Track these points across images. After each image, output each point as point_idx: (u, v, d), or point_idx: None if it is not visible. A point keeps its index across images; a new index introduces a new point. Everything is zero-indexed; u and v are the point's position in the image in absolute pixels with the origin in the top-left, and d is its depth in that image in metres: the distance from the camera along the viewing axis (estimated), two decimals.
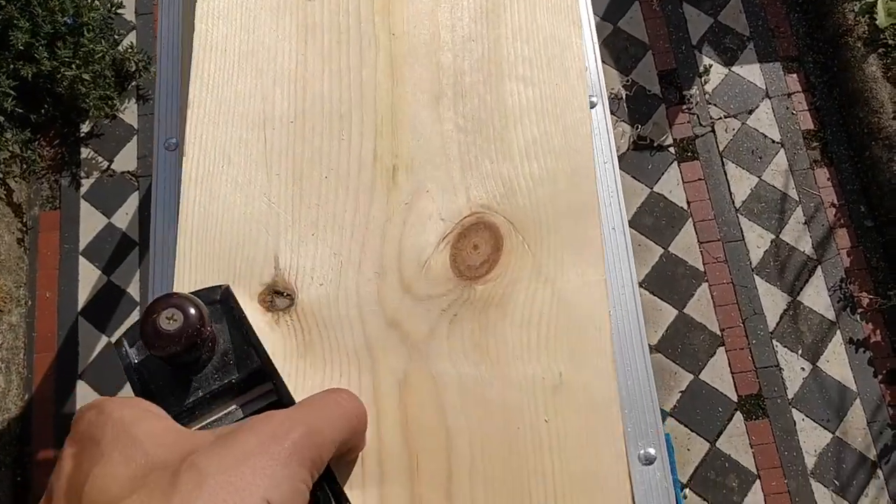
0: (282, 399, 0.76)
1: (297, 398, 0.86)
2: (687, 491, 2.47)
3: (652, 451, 0.91)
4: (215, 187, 0.96)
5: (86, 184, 2.87)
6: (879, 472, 2.47)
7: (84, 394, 2.60)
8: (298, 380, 0.87)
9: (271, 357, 0.82)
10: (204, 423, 0.74)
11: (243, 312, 0.83)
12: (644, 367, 0.98)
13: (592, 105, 1.05)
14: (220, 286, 0.87)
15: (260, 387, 0.77)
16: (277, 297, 0.92)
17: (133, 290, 2.71)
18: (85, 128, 2.94)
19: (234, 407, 0.74)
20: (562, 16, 1.07)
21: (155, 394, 0.73)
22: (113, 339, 2.62)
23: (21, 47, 2.59)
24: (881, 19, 2.71)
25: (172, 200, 1.22)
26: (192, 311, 0.71)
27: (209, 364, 0.77)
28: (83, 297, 2.72)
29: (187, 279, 0.92)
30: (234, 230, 0.94)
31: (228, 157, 0.97)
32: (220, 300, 0.84)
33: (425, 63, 1.03)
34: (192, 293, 0.76)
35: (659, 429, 0.98)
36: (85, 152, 2.91)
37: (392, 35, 1.05)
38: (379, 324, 0.81)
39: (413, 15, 1.06)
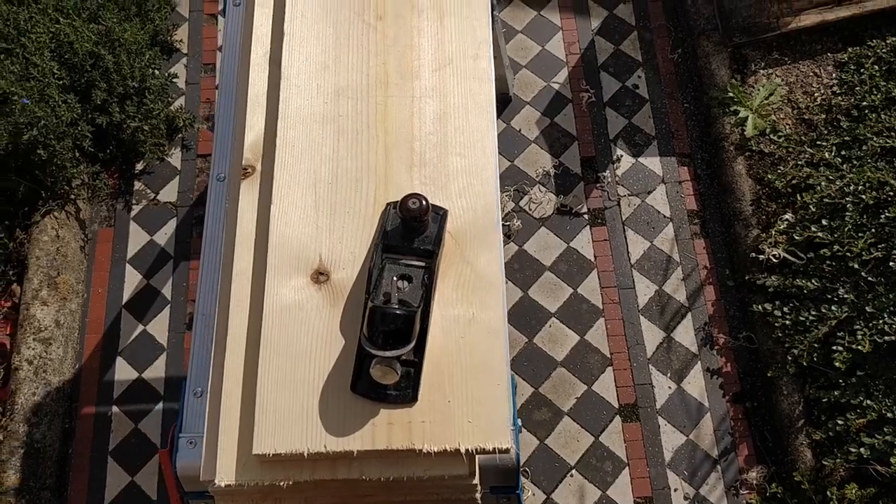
0: (425, 262, 1.77)
1: (330, 333, 1.84)
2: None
3: None
4: (288, 216, 1.95)
5: (136, 209, 3.94)
6: (719, 466, 3.49)
7: (121, 366, 3.61)
8: (332, 320, 1.84)
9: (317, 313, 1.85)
10: (391, 260, 1.76)
11: (445, 229, 1.82)
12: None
13: None
14: (444, 208, 1.87)
15: (426, 259, 1.76)
16: (320, 275, 1.92)
17: (166, 291, 3.74)
18: (139, 166, 4.02)
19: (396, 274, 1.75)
20: (482, 117, 2.05)
21: (389, 235, 1.78)
22: (147, 328, 3.64)
23: (98, 102, 3.64)
24: (749, 131, 3.83)
25: (220, 215, 2.15)
26: (424, 203, 1.73)
27: (419, 235, 1.77)
28: (127, 294, 3.76)
29: (277, 268, 1.90)
30: (297, 242, 1.93)
31: (294, 202, 1.95)
32: (440, 214, 1.84)
33: (404, 148, 2.02)
34: (428, 202, 1.77)
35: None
36: (137, 185, 3.99)
37: (386, 132, 2.02)
38: None
39: (399, 120, 2.04)
